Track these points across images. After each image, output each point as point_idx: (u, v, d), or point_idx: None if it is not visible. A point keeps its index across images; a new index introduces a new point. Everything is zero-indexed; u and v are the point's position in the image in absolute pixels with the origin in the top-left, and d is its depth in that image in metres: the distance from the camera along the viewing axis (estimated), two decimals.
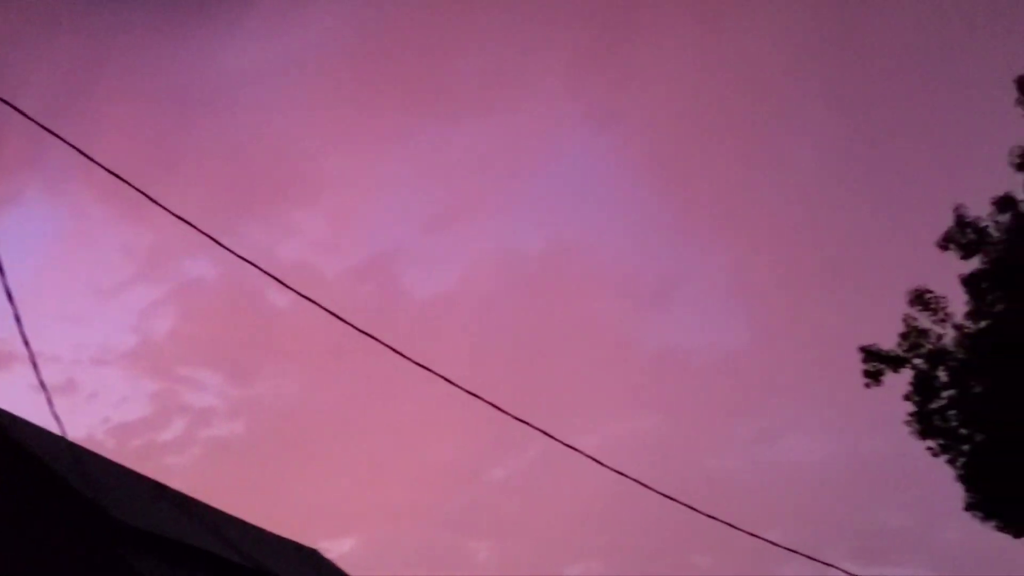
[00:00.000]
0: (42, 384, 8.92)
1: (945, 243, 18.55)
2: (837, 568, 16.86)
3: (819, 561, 16.39)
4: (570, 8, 51.11)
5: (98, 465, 20.22)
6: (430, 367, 11.48)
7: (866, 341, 18.96)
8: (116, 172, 9.38)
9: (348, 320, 10.91)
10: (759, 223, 54.28)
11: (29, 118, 8.20)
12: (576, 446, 12.48)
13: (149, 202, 9.64)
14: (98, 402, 47.47)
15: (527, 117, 56.25)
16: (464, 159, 56.78)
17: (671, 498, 13.73)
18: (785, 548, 15.58)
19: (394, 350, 11.51)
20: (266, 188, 53.63)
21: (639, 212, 59.80)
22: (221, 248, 10.10)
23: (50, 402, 9.21)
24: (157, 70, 51.79)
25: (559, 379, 52.63)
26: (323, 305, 10.93)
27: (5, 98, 7.66)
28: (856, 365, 19.13)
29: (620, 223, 59.73)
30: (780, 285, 53.11)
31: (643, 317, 57.31)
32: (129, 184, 9.73)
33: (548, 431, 12.23)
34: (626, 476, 13.46)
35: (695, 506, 13.83)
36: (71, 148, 8.99)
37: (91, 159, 9.43)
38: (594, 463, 12.98)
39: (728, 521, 14.30)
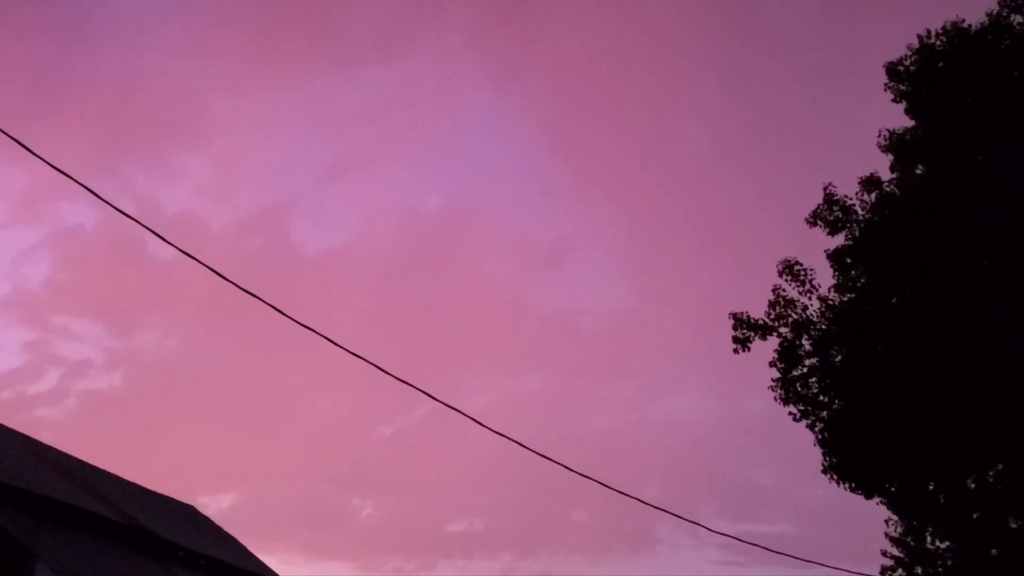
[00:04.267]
0: None
1: (813, 219, 19.42)
2: (704, 526, 17.85)
3: (687, 520, 17.28)
4: None
5: None
6: (320, 323, 11.51)
7: (741, 306, 19.71)
8: None
9: (233, 274, 10.83)
10: (648, 188, 55.80)
11: None
12: (466, 404, 12.77)
13: (24, 139, 9.32)
14: None
15: (427, 70, 55.93)
16: (361, 109, 56.04)
17: (547, 457, 14.17)
18: (654, 507, 16.34)
19: (276, 309, 11.46)
20: (152, 130, 51.76)
21: (536, 173, 60.56)
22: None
23: None
24: (39, 2, 49.15)
25: (452, 337, 53.18)
26: (205, 262, 10.80)
27: None
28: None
29: (517, 183, 60.38)
30: (666, 251, 54.88)
31: (536, 278, 58.37)
32: None
33: (438, 389, 12.47)
34: (505, 436, 13.83)
35: (573, 464, 14.35)
36: None
37: None
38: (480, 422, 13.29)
39: (602, 480, 14.90)
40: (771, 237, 44.86)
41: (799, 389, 19.13)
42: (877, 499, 18.94)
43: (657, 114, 55.07)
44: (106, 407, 48.25)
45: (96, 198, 9.88)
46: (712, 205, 54.25)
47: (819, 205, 19.44)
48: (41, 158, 9.54)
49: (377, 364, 11.96)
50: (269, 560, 27.17)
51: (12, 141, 9.30)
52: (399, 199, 60.09)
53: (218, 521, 28.56)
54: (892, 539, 18.85)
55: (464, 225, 56.50)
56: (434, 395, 12.56)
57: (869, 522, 19.99)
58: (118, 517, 20.90)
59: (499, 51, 56.02)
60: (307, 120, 57.50)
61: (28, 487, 18.47)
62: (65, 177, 9.59)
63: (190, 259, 10.51)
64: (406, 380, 12.23)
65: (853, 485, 18.93)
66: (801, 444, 19.76)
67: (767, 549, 17.03)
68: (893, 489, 18.69)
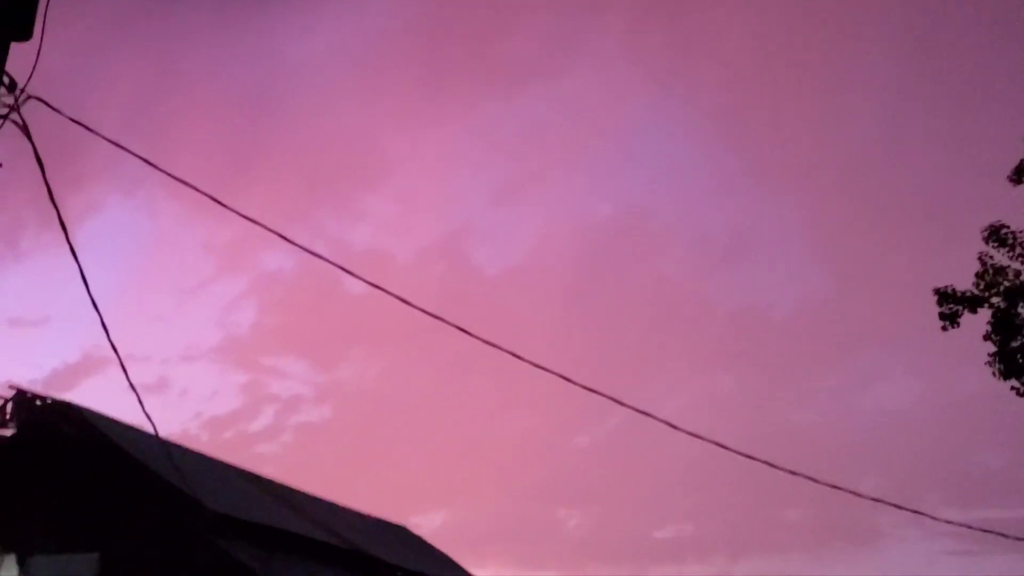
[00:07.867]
0: (131, 385, 9.32)
1: (1017, 176, 17.90)
2: (929, 516, 16.72)
3: (909, 510, 16.23)
4: None
5: (191, 459, 21.02)
6: (507, 339, 11.64)
7: (946, 280, 18.37)
8: (189, 172, 9.68)
9: (419, 301, 11.11)
10: (829, 170, 53.25)
11: (98, 135, 8.57)
12: (658, 409, 12.50)
13: (225, 197, 9.97)
14: (189, 398, 49.34)
15: (586, 82, 55.98)
16: (526, 130, 56.83)
17: (749, 456, 13.67)
18: (872, 499, 15.45)
19: (461, 329, 11.69)
20: (335, 175, 54.69)
21: (706, 169, 59.14)
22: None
23: (140, 402, 9.64)
24: (220, 71, 53.09)
25: (636, 344, 52.70)
26: (392, 292, 11.14)
27: (84, 113, 8.04)
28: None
29: (687, 181, 59.20)
30: (855, 231, 52.15)
31: (718, 275, 56.81)
32: (195, 188, 10.05)
33: (628, 396, 12.29)
34: (701, 438, 13.45)
35: (778, 461, 13.79)
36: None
37: (157, 168, 9.78)
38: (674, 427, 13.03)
39: (811, 475, 14.25)
40: (969, 202, 41.71)
41: (1020, 361, 17.65)
42: None
43: (829, 91, 52.59)
44: (319, 438, 50.98)
45: (291, 244, 10.42)
46: (899, 178, 51.06)
47: (1022, 159, 17.94)
48: (238, 212, 10.12)
49: (563, 375, 11.98)
50: (481, 575, 27.74)
51: (214, 202, 9.97)
52: (571, 211, 60.32)
53: (430, 539, 29.48)
54: None
55: (638, 229, 55.94)
56: (624, 401, 12.44)
57: None
58: (338, 542, 21.93)
59: (655, 52, 55.26)
60: (476, 147, 58.92)
61: (256, 519, 19.69)
62: (263, 228, 10.17)
63: (380, 291, 10.90)
64: (593, 388, 12.18)
65: None
66: None
67: (1004, 535, 15.78)
68: None
